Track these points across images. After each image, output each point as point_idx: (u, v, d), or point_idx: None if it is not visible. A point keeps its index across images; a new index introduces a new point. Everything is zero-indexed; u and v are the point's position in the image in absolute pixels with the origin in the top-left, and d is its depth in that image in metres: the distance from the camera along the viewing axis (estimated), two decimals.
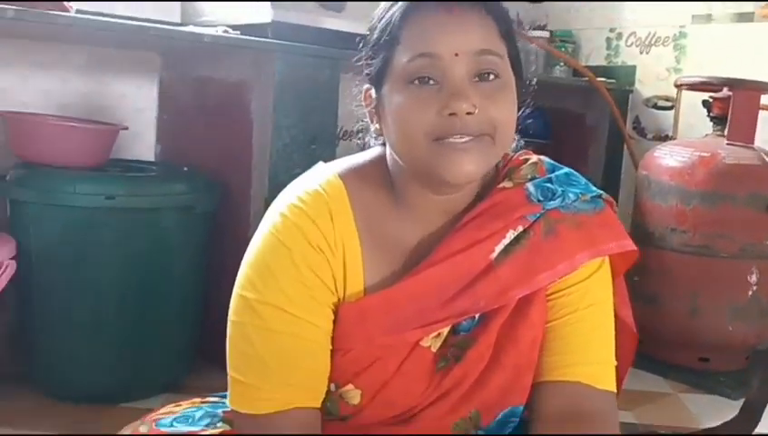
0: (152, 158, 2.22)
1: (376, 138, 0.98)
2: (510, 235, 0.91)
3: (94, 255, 1.69)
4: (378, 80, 0.89)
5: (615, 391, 0.94)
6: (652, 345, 2.25)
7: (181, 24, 2.07)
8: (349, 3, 1.97)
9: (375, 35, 0.90)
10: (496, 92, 0.85)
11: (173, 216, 1.75)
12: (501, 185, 0.94)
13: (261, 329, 0.87)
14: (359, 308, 0.91)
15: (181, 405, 0.99)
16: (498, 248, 0.90)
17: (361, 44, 0.94)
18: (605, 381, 0.92)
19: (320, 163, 0.98)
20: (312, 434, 0.89)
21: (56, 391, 1.77)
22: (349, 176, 0.93)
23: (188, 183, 1.80)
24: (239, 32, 1.83)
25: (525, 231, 0.91)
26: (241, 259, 0.93)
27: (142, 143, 2.20)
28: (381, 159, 0.96)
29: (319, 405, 0.91)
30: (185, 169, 1.91)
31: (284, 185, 0.96)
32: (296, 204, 0.90)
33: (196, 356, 1.94)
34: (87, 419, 1.66)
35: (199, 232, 1.85)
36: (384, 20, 0.88)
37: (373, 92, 0.91)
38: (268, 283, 0.88)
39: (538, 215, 0.91)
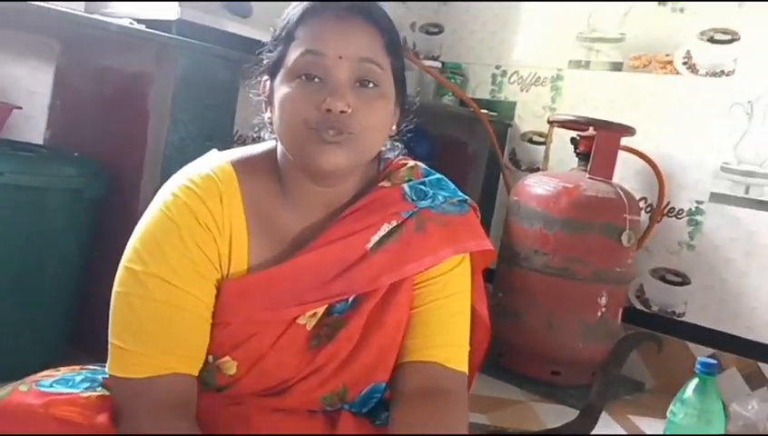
0: (40, 142, 2.19)
1: (270, 133, 1.05)
2: (385, 228, 1.00)
3: None
4: (272, 72, 0.97)
5: (467, 372, 1.04)
6: (510, 357, 2.42)
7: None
8: (255, 11, 2.03)
9: (276, 32, 0.98)
10: (372, 99, 0.94)
11: (61, 198, 1.75)
12: (380, 184, 1.04)
13: (145, 298, 0.91)
14: (241, 285, 0.97)
15: (60, 370, 1.00)
16: (374, 239, 0.99)
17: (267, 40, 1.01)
18: (459, 362, 1.02)
19: (214, 151, 1.04)
20: (187, 400, 0.94)
21: None
22: (240, 164, 1.00)
23: (78, 167, 1.79)
24: (144, 25, 1.87)
25: (398, 225, 1.01)
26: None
27: (33, 128, 2.17)
28: (272, 152, 1.03)
29: (196, 373, 0.95)
30: (76, 154, 1.92)
31: None
32: (188, 185, 0.96)
33: (71, 342, 1.92)
34: None
35: (86, 217, 1.85)
36: (285, 18, 0.97)
37: (269, 82, 0.99)
38: (155, 256, 0.92)
39: (411, 213, 1.01)
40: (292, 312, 0.99)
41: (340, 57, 0.92)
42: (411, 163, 1.10)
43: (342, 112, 0.90)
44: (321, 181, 0.98)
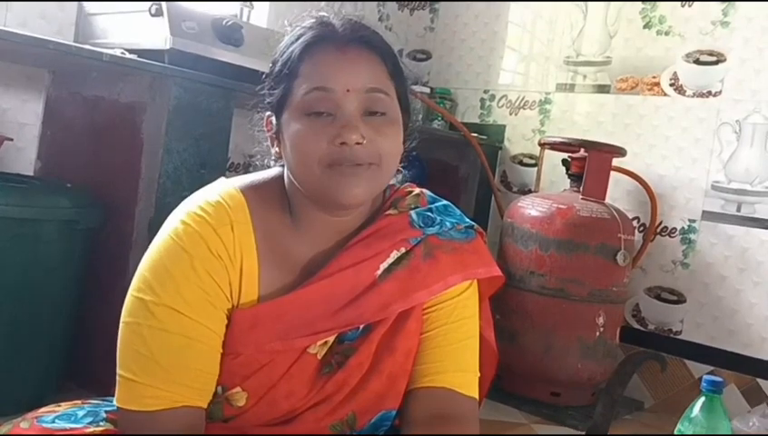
0: (31, 174, 2.17)
1: (275, 160, 1.05)
2: (394, 255, 0.99)
3: None
4: (278, 108, 0.96)
5: (477, 398, 1.03)
6: (509, 380, 2.40)
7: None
8: (246, 39, 2.03)
9: (277, 68, 0.97)
10: (382, 126, 0.94)
11: (55, 229, 1.73)
12: (387, 212, 1.03)
13: (156, 329, 0.89)
14: (252, 314, 0.95)
15: (61, 405, 0.98)
16: (383, 266, 0.99)
17: (264, 76, 1.00)
18: (469, 387, 1.02)
19: (222, 179, 1.02)
20: (195, 433, 0.91)
21: None
22: (249, 192, 0.99)
23: (71, 198, 1.78)
24: (135, 55, 1.86)
25: (407, 252, 1.00)
26: (122, 278, 0.95)
27: (23, 159, 2.15)
28: (279, 179, 1.02)
29: (205, 406, 0.93)
30: (68, 185, 1.90)
31: (171, 207, 0.99)
32: (198, 213, 0.94)
33: (67, 374, 1.88)
34: None
35: (80, 248, 1.82)
36: (285, 54, 0.96)
37: (274, 119, 0.98)
38: (166, 286, 0.90)
39: (419, 240, 1.01)
40: (303, 342, 0.97)
41: (348, 90, 0.92)
42: (417, 190, 1.10)
43: (358, 143, 0.91)
44: (337, 211, 0.97)
